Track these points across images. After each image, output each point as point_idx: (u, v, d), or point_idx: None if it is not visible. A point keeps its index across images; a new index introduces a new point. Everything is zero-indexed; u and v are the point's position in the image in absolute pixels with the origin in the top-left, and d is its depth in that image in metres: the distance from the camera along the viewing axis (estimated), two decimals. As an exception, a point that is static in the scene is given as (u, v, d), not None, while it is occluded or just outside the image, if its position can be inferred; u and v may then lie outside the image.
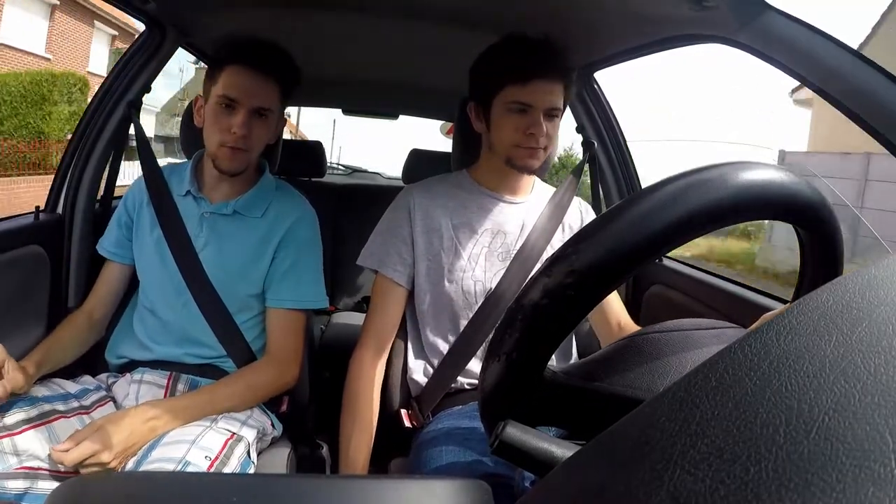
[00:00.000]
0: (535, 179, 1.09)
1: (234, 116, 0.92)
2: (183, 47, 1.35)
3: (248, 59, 0.93)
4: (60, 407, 0.85)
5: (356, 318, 1.77)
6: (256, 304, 1.02)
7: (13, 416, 0.79)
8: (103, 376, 1.00)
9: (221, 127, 0.93)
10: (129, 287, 1.08)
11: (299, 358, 1.01)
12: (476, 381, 0.99)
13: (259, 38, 0.96)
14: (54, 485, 0.75)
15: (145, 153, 1.09)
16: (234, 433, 0.86)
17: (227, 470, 0.79)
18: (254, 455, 0.88)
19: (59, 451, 0.75)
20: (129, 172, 2.96)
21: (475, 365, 0.99)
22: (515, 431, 0.37)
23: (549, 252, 1.01)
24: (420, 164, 1.85)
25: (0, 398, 0.77)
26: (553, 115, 0.94)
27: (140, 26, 1.25)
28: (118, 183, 1.31)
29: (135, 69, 1.21)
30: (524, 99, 0.91)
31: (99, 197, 1.27)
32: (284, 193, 1.07)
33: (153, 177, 1.04)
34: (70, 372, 0.98)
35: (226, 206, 1.00)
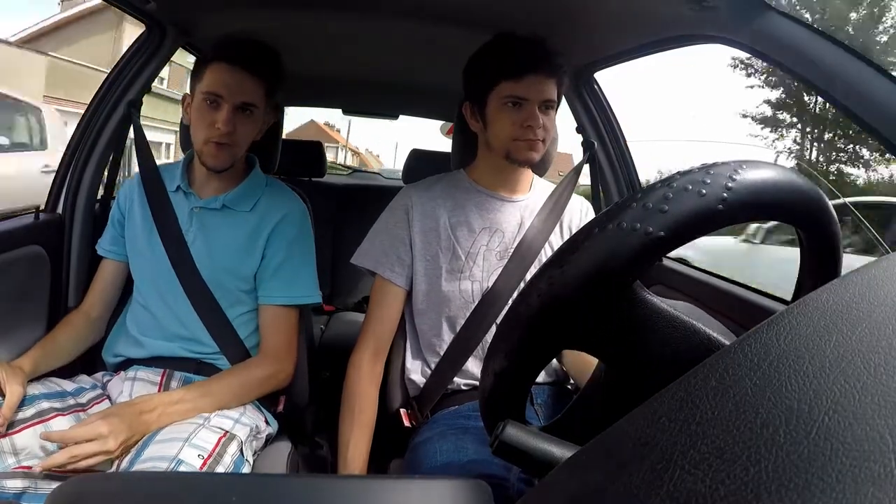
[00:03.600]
0: (535, 178, 1.09)
1: (218, 112, 0.94)
2: (183, 47, 1.35)
3: (230, 56, 0.94)
4: (57, 405, 0.85)
5: (356, 318, 1.77)
6: (248, 299, 1.02)
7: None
8: (99, 375, 1.00)
9: (206, 123, 0.94)
10: (127, 286, 1.08)
11: (293, 355, 1.01)
12: (473, 382, 0.98)
13: (241, 36, 0.97)
14: (53, 484, 0.75)
15: (143, 151, 1.09)
16: (228, 431, 0.85)
17: (220, 468, 0.79)
18: (248, 454, 0.88)
19: (59, 433, 0.75)
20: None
21: (472, 365, 0.99)
22: (515, 432, 0.37)
23: (547, 251, 1.01)
24: (420, 164, 1.85)
25: (6, 418, 0.77)
26: (548, 106, 0.94)
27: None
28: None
29: (135, 69, 1.21)
30: (518, 93, 0.92)
31: (99, 197, 1.27)
32: (274, 189, 1.07)
33: (150, 174, 1.05)
34: (67, 371, 0.98)
35: (215, 201, 1.01)
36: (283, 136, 1.48)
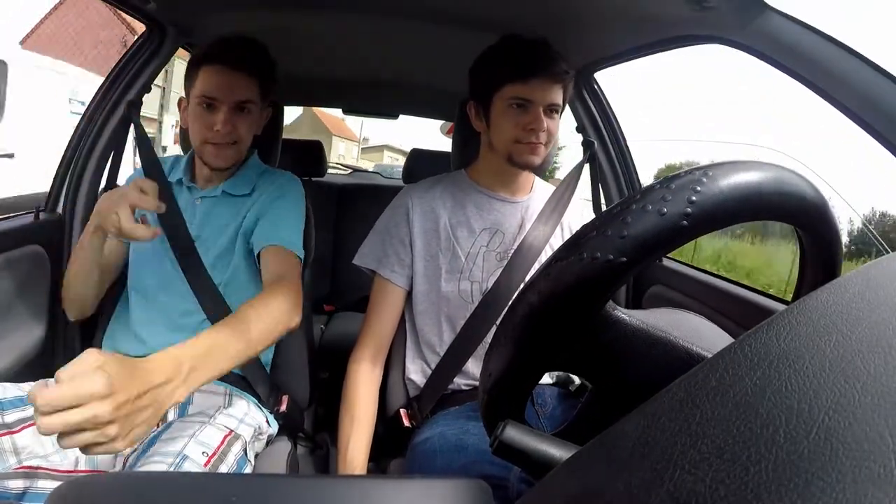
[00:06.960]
0: (536, 179, 1.09)
1: (215, 115, 0.95)
2: (183, 47, 1.35)
3: (221, 57, 0.95)
4: None
5: (356, 318, 1.77)
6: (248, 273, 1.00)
7: (12, 415, 0.79)
8: None
9: (203, 126, 0.96)
10: (122, 285, 1.07)
11: (300, 299, 0.86)
12: (473, 382, 0.98)
13: (229, 36, 0.98)
14: (53, 484, 0.75)
15: (145, 149, 1.10)
16: (233, 430, 0.86)
17: (223, 467, 0.79)
18: (250, 454, 0.88)
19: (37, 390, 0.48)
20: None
21: (472, 365, 0.99)
22: (515, 432, 0.37)
23: (547, 252, 1.01)
24: (420, 163, 1.85)
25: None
26: (553, 111, 0.94)
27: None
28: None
29: (135, 69, 1.22)
30: (525, 95, 0.92)
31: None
32: (272, 173, 1.09)
33: (152, 169, 1.06)
34: None
35: (215, 189, 1.03)
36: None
